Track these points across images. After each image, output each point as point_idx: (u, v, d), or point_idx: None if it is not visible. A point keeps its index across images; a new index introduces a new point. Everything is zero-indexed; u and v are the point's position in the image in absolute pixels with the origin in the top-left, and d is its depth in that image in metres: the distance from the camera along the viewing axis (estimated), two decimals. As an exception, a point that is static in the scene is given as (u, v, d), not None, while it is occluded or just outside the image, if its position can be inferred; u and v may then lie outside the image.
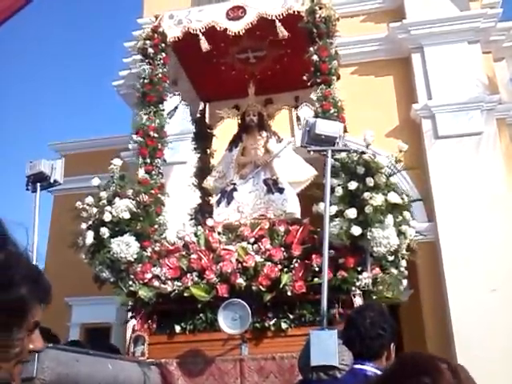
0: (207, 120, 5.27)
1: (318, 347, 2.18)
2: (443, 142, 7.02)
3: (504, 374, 5.59)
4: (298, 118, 5.22)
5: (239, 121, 5.04)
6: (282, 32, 3.98)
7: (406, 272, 4.00)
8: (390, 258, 3.55)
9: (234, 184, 4.33)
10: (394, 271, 3.75)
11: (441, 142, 7.02)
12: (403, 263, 3.89)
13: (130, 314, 3.85)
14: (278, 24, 3.97)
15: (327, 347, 2.17)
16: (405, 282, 3.96)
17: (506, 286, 6.16)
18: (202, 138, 5.14)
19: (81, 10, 30.76)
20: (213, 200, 5.08)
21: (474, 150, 6.91)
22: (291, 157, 4.54)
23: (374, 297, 3.46)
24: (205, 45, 4.06)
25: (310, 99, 4.98)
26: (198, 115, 5.20)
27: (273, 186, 4.23)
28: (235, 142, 4.65)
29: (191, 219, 4.88)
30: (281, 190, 4.21)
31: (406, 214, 3.42)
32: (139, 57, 8.36)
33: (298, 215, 4.12)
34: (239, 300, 3.27)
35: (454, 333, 6.10)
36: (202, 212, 4.92)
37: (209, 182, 4.66)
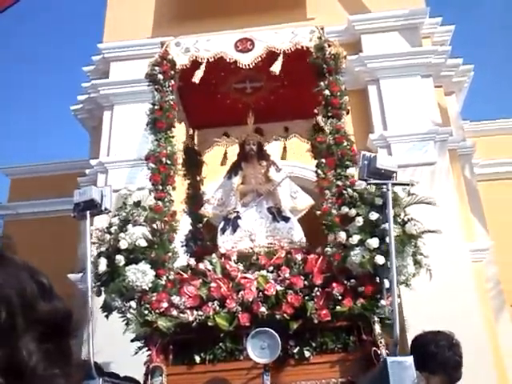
0: (196, 147, 5.28)
1: (398, 375, 2.28)
2: (399, 172, 7.36)
3: None
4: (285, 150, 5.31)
5: (227, 148, 5.15)
6: (274, 69, 4.10)
7: (399, 300, 4.21)
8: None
9: (237, 212, 4.37)
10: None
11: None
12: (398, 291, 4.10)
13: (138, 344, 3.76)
14: (280, 59, 4.09)
15: (407, 375, 2.27)
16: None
17: (455, 305, 6.47)
18: (192, 164, 5.13)
19: (37, 34, 29.60)
20: (200, 227, 5.09)
21: (429, 180, 7.31)
22: (289, 186, 4.66)
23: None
24: (198, 75, 4.09)
25: (299, 130, 5.22)
26: (188, 141, 5.19)
27: (277, 215, 4.32)
28: (235, 169, 4.70)
29: (183, 246, 4.85)
30: (286, 219, 4.32)
31: (420, 244, 3.62)
32: (98, 81, 8.44)
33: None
34: (267, 328, 3.31)
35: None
36: (194, 239, 4.91)
37: (207, 210, 4.67)
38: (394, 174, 2.96)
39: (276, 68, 4.06)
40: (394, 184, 3.01)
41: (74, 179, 8.32)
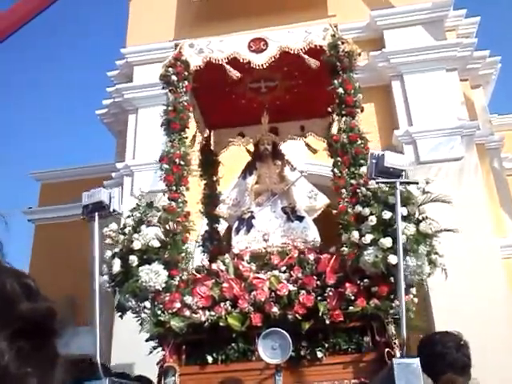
0: (212, 147, 5.30)
1: (405, 377, 2.24)
2: (425, 168, 7.23)
3: None
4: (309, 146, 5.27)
5: (243, 148, 5.15)
6: (314, 63, 4.07)
7: (416, 300, 4.13)
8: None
9: (252, 212, 4.37)
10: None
11: (423, 167, 7.23)
12: (413, 291, 4.02)
13: (152, 345, 3.79)
14: (306, 57, 4.07)
15: (413, 376, 2.23)
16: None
17: (485, 298, 6.33)
18: (208, 164, 5.16)
19: (63, 39, 30.36)
20: (220, 227, 5.12)
21: (456, 176, 7.15)
22: (305, 185, 4.63)
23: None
24: (235, 73, 4.10)
25: (316, 129, 5.19)
26: (204, 142, 5.22)
27: (291, 214, 4.30)
28: (249, 169, 4.71)
29: (199, 246, 4.87)
30: (300, 218, 4.29)
31: (435, 243, 3.54)
32: (123, 85, 8.55)
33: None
34: (278, 329, 3.29)
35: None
36: (211, 240, 4.93)
37: (222, 210, 4.68)
38: (403, 173, 2.90)
39: (314, 63, 4.03)
40: (402, 182, 2.95)
41: (101, 183, 8.46)
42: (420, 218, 3.52)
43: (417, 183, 3.29)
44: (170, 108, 4.08)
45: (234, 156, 5.27)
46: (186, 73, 4.20)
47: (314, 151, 5.04)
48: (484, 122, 8.22)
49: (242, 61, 4.19)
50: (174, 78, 4.15)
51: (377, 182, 3.23)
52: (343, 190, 3.94)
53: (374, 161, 2.91)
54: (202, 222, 5.09)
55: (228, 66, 4.09)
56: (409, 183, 3.15)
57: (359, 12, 8.42)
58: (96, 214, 2.90)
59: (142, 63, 8.78)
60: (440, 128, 7.48)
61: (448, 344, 2.38)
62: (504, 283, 6.75)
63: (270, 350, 3.27)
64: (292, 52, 4.14)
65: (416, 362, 2.38)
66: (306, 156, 6.78)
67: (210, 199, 5.03)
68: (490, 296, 6.42)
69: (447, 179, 7.22)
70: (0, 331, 0.64)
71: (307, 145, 5.13)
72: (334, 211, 3.99)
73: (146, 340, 3.77)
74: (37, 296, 0.73)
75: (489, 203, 7.32)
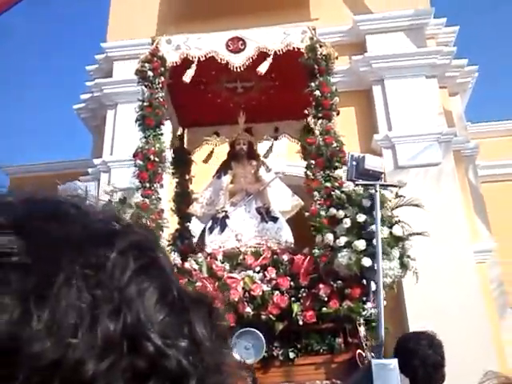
0: (185, 145, 5.26)
1: (382, 377, 2.24)
2: (403, 172, 7.26)
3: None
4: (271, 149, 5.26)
5: (216, 147, 5.11)
6: (264, 68, 4.05)
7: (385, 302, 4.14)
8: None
9: (226, 211, 4.33)
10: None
11: (401, 171, 7.26)
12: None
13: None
14: (268, 60, 4.04)
15: (391, 377, 2.24)
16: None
17: (463, 310, 6.39)
18: (181, 162, 5.10)
19: (43, 32, 29.81)
20: (191, 226, 5.05)
21: (433, 181, 7.21)
22: (279, 186, 4.62)
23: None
24: (189, 74, 4.05)
25: (290, 130, 5.18)
26: (177, 140, 5.16)
27: (266, 215, 4.28)
28: (224, 169, 4.67)
29: (169, 245, 4.79)
30: (274, 219, 4.27)
31: (407, 246, 3.56)
32: (102, 80, 8.43)
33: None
34: (253, 329, 3.28)
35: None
36: (181, 238, 4.86)
37: (195, 209, 4.63)
38: (382, 175, 2.92)
39: (263, 68, 4.02)
40: (382, 185, 2.96)
41: (76, 179, 8.31)
42: (393, 221, 3.54)
43: (396, 186, 3.31)
44: (145, 104, 4.02)
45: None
46: (163, 68, 4.14)
47: None
48: (460, 129, 8.32)
49: (219, 61, 4.15)
50: (149, 73, 4.09)
51: (356, 184, 3.25)
52: (315, 193, 3.92)
53: (354, 163, 2.91)
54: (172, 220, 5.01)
55: (193, 68, 4.03)
56: (388, 186, 3.17)
57: (342, 16, 8.42)
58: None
59: (122, 58, 8.64)
60: (419, 133, 7.56)
61: (421, 341, 2.39)
62: (477, 287, 6.83)
63: (243, 350, 3.26)
64: (270, 53, 4.11)
65: (394, 362, 2.38)
66: (286, 157, 6.79)
67: (182, 197, 4.97)
68: (463, 301, 6.48)
69: (425, 184, 7.29)
70: (194, 312, 0.67)
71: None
72: (307, 213, 3.98)
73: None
74: None
75: (464, 208, 7.39)
